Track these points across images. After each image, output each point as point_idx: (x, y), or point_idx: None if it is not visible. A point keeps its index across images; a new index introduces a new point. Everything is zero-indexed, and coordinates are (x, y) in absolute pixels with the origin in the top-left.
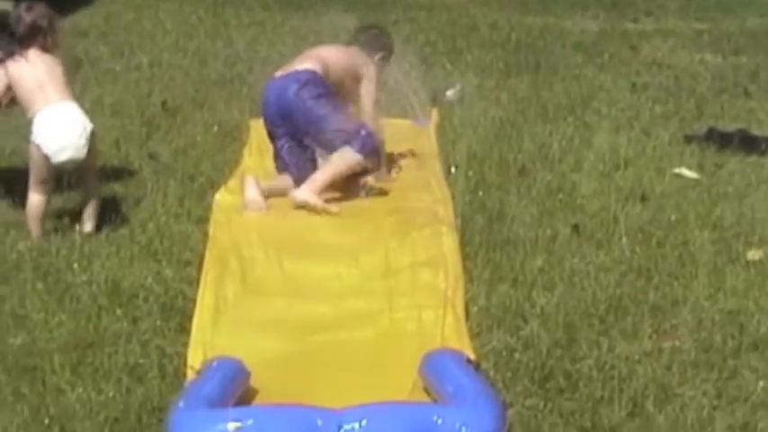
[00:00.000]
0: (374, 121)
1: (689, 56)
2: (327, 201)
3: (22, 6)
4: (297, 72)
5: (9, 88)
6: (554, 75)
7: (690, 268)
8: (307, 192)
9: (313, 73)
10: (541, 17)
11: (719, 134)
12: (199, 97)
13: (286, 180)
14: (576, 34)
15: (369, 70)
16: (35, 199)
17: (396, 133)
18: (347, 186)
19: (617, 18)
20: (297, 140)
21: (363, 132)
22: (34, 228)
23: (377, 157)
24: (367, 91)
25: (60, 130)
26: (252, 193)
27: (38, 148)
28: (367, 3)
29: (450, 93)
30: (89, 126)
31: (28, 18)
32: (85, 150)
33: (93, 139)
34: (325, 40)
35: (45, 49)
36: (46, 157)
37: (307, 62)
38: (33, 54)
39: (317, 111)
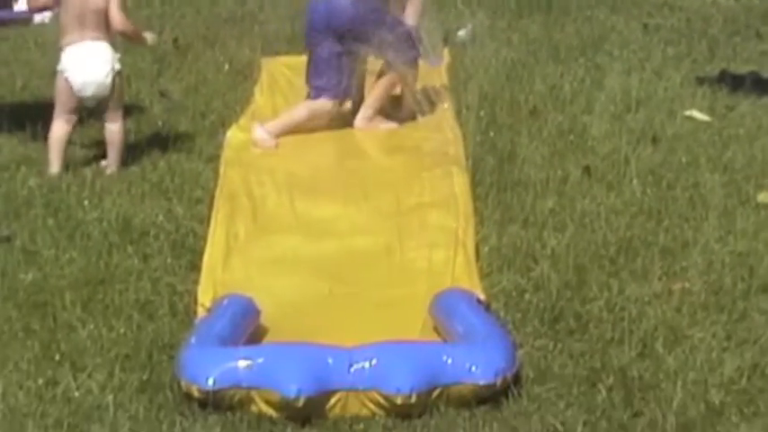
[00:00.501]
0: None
1: None
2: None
3: None
4: None
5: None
6: (566, 16)
7: (700, 210)
8: (362, 121)
9: None
10: None
11: (731, 76)
12: (210, 35)
13: (298, 112)
14: None
15: None
16: (58, 128)
17: None
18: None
19: None
20: (337, 49)
21: (412, 39)
22: (55, 159)
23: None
24: (412, 11)
25: (89, 65)
26: (260, 132)
27: (65, 79)
28: None
29: (461, 33)
30: (117, 66)
31: None
32: (110, 88)
33: (119, 79)
34: None
35: None
36: (72, 89)
37: None
38: None
39: (374, 24)
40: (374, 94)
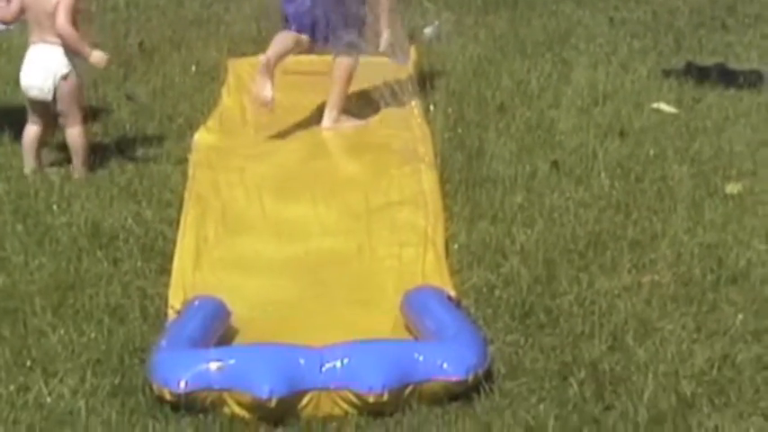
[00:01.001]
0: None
1: None
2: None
3: None
4: None
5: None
6: (532, 11)
7: (668, 203)
8: (329, 121)
9: None
10: None
11: (697, 68)
12: (176, 37)
13: (279, 42)
14: None
15: None
16: (27, 129)
17: (374, 71)
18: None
19: None
20: None
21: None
22: (26, 159)
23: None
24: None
25: (32, 69)
26: (266, 87)
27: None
28: None
29: (428, 30)
30: (63, 71)
31: None
32: (50, 95)
33: (68, 84)
34: None
35: None
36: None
37: None
38: None
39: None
40: (333, 93)
